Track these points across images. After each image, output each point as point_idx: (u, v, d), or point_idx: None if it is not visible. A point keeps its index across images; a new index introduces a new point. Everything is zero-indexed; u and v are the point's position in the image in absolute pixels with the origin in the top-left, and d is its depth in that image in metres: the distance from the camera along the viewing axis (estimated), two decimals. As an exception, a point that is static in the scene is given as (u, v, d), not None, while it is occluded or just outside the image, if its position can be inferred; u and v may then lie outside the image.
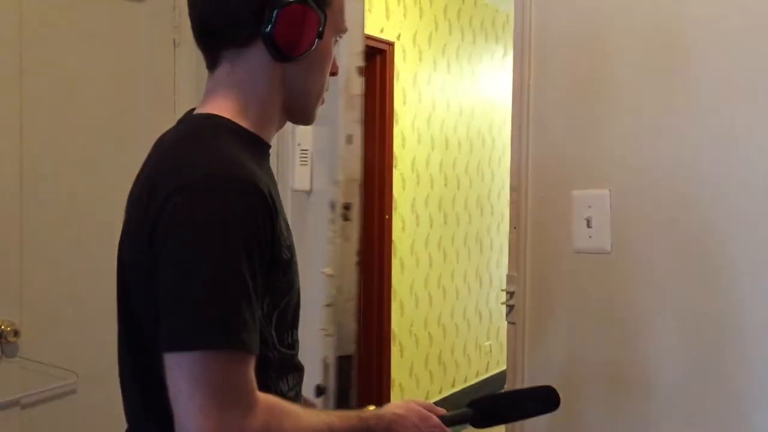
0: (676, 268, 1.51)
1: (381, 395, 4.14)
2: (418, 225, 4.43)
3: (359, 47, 1.44)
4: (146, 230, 0.90)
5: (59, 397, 2.12)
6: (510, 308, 1.77)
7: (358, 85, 1.45)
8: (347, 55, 1.43)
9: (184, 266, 0.86)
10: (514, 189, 1.76)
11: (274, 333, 0.99)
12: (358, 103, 1.45)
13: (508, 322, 1.78)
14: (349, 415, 1.02)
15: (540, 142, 1.71)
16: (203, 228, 0.86)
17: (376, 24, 3.98)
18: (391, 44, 4.07)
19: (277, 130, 1.10)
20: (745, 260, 1.42)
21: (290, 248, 1.01)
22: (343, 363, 1.38)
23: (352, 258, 1.44)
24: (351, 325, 1.42)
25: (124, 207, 1.07)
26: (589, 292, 1.63)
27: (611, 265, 1.59)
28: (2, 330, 2.02)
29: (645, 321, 1.55)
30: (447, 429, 1.12)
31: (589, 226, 1.62)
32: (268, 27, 0.97)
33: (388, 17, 4.06)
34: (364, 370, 3.54)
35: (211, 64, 1.05)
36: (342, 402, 1.46)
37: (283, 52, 0.99)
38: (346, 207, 1.43)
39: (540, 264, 1.72)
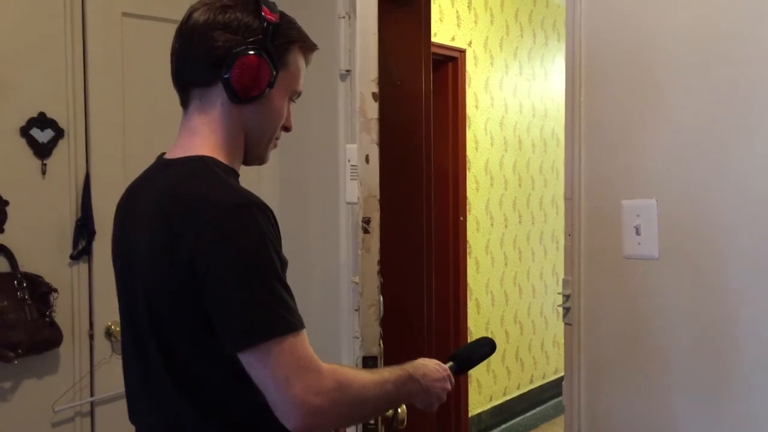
0: (720, 275, 1.59)
1: (459, 391, 4.28)
2: (492, 225, 4.54)
3: (373, 75, 1.62)
4: (183, 260, 1.06)
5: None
6: (566, 310, 1.89)
7: (373, 109, 1.62)
8: (363, 82, 1.62)
9: (236, 280, 1.05)
10: (568, 198, 1.87)
11: None
12: (374, 126, 1.62)
13: (565, 323, 1.90)
14: (392, 368, 1.24)
15: (591, 155, 1.82)
16: (241, 247, 1.06)
17: (447, 33, 4.11)
18: (462, 51, 4.20)
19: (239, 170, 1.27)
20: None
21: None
22: (368, 363, 1.56)
23: (374, 267, 1.61)
24: (373, 329, 1.60)
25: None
26: (639, 296, 1.73)
27: (659, 271, 1.69)
28: (113, 330, 2.29)
29: (690, 324, 1.64)
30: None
31: (638, 233, 1.72)
32: (226, 71, 1.16)
33: (459, 25, 4.19)
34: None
35: (184, 102, 1.25)
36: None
37: (238, 94, 1.18)
38: (366, 221, 1.61)
39: (593, 269, 1.83)
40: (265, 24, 1.18)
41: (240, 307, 1.05)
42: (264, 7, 1.18)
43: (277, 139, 1.31)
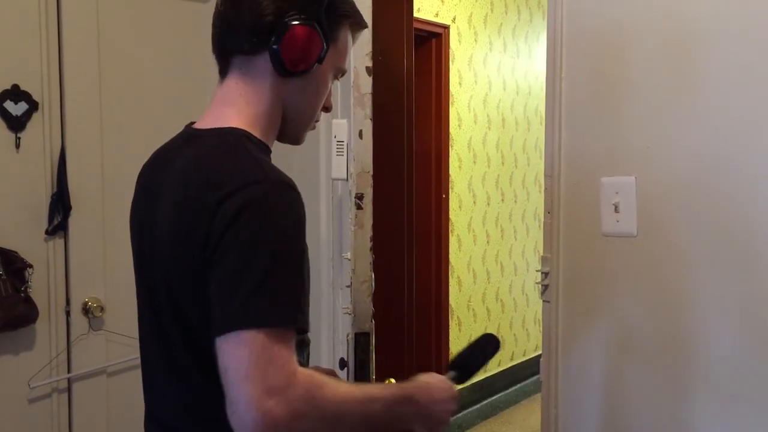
0: (698, 251, 1.60)
1: (440, 368, 4.30)
2: (475, 203, 4.54)
3: (368, 49, 1.59)
4: (198, 239, 0.99)
5: (140, 366, 2.36)
6: (545, 287, 1.89)
7: (367, 84, 1.60)
8: (357, 57, 1.57)
9: (241, 260, 0.96)
10: (547, 176, 1.86)
11: None
12: (368, 101, 1.60)
13: (543, 300, 1.90)
14: (388, 385, 1.12)
15: (571, 132, 1.81)
16: (256, 226, 0.97)
17: (431, 8, 4.07)
18: (446, 27, 4.16)
19: (272, 146, 1.19)
20: (765, 242, 1.50)
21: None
22: (360, 339, 1.55)
23: (366, 243, 1.60)
24: (366, 305, 1.59)
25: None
26: (617, 273, 1.73)
27: (637, 248, 1.69)
28: (90, 306, 2.27)
29: (668, 300, 1.65)
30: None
31: (616, 210, 1.72)
32: (276, 40, 1.09)
33: (443, 1, 4.15)
34: (421, 345, 3.70)
35: (223, 70, 1.16)
36: (361, 374, 1.63)
37: (286, 66, 1.10)
38: (359, 197, 1.60)
39: (571, 246, 1.83)
40: None
41: (235, 289, 0.95)
42: None
43: (317, 121, 1.24)
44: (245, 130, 1.11)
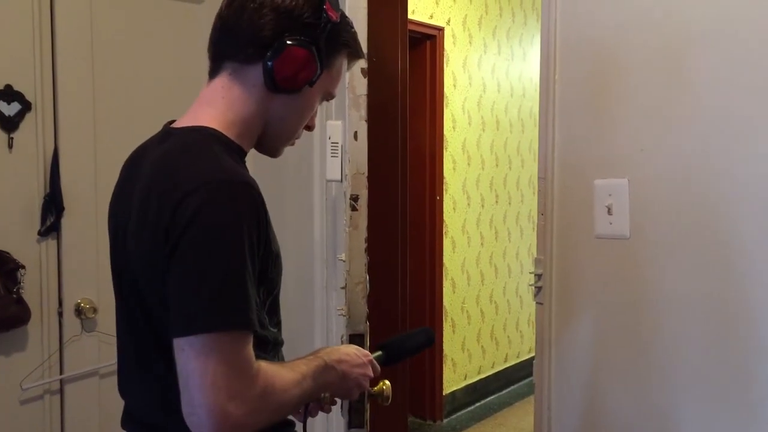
0: (690, 253, 1.60)
1: (434, 370, 4.31)
2: (469, 205, 4.55)
3: (363, 51, 1.60)
4: (159, 236, 1.01)
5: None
6: (538, 289, 1.90)
7: (362, 85, 1.61)
8: None
9: (198, 261, 0.98)
10: (541, 178, 1.87)
11: (266, 316, 1.16)
12: (363, 103, 1.61)
13: (537, 303, 1.91)
14: (309, 358, 1.18)
15: (565, 135, 1.81)
16: (212, 227, 0.99)
17: (426, 10, 4.08)
18: (440, 29, 4.17)
19: (248, 150, 1.21)
20: (757, 245, 1.50)
21: (276, 241, 1.15)
22: (354, 340, 1.56)
23: (361, 245, 1.61)
24: (361, 307, 1.59)
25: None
26: (610, 275, 1.74)
27: (630, 250, 1.70)
28: (83, 307, 2.26)
29: (661, 302, 1.65)
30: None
31: (609, 213, 1.72)
32: (271, 56, 1.11)
33: (437, 3, 4.15)
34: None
35: (213, 71, 1.18)
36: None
37: (276, 82, 1.12)
38: (354, 198, 1.61)
39: (565, 248, 1.83)
40: (324, 20, 1.13)
41: (191, 292, 0.98)
42: (327, 3, 1.13)
43: (297, 138, 1.25)
44: (216, 130, 1.12)
